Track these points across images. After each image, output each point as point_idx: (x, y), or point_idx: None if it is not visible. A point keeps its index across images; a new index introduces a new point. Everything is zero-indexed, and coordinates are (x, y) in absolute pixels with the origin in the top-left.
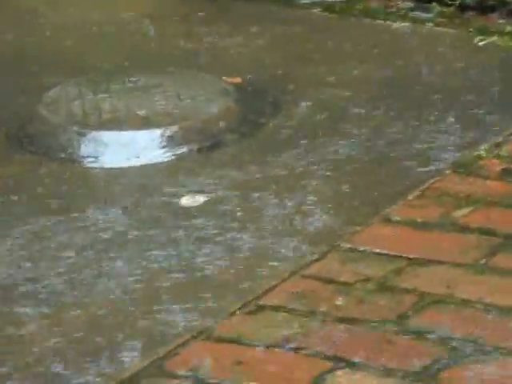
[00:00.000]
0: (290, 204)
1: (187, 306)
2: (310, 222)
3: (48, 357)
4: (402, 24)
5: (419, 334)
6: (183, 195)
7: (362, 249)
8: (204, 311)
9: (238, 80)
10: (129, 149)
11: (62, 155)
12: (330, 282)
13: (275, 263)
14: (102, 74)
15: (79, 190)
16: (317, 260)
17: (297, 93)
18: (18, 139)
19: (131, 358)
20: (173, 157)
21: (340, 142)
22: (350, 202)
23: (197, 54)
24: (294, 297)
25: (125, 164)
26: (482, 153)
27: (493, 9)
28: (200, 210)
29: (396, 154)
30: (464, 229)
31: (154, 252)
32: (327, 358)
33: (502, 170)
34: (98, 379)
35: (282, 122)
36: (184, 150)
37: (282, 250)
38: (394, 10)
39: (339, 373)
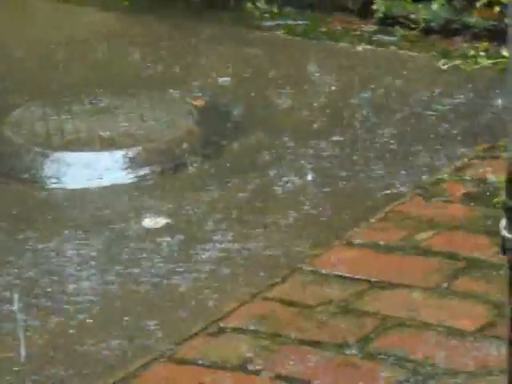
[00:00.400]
0: (252, 226)
1: (149, 326)
2: (272, 244)
3: None
4: (366, 47)
5: (381, 357)
6: (146, 217)
7: (324, 272)
8: (166, 332)
9: (201, 102)
10: (91, 170)
11: (25, 176)
12: (292, 304)
13: (237, 285)
14: (66, 95)
15: (41, 210)
16: (279, 283)
17: (259, 115)
18: None
19: (91, 379)
20: (135, 178)
21: (302, 164)
22: (312, 224)
23: (160, 76)
24: (255, 319)
25: (87, 185)
26: (445, 176)
27: (457, 32)
28: (162, 232)
29: (358, 177)
30: (426, 252)
31: (115, 272)
32: (289, 380)
33: (465, 193)
34: None
35: (245, 144)
36: (147, 171)
37: (244, 273)
38: (357, 33)
39: None
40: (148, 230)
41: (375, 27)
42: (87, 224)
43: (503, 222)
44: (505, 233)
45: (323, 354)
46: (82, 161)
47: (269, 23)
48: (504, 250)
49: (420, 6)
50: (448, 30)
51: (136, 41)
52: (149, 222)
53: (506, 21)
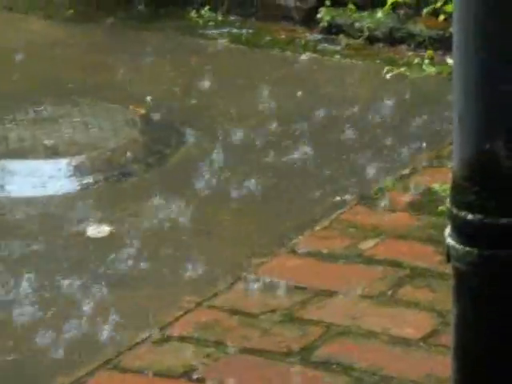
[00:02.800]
0: (196, 234)
1: (94, 334)
2: (216, 252)
3: None
4: (310, 56)
5: (325, 365)
6: (89, 225)
7: (267, 280)
8: (110, 340)
9: (143, 110)
10: (35, 178)
11: None
12: (236, 312)
13: (181, 294)
14: (9, 103)
15: None
16: (223, 291)
17: (203, 124)
18: None
19: None
20: (79, 187)
21: (246, 172)
22: (256, 232)
23: (104, 84)
24: (199, 327)
25: (31, 193)
26: (389, 185)
27: (401, 41)
28: (106, 240)
29: (303, 185)
30: (370, 261)
31: (59, 281)
32: None
33: (409, 202)
34: None
35: (187, 153)
36: (90, 179)
37: (189, 280)
38: (302, 41)
39: None
40: (92, 239)
41: (320, 36)
42: (31, 232)
43: (448, 230)
44: (449, 240)
45: (267, 362)
46: (25, 169)
47: (213, 31)
48: (448, 258)
49: (365, 14)
50: (393, 39)
51: (80, 49)
52: (92, 231)
53: (451, 29)
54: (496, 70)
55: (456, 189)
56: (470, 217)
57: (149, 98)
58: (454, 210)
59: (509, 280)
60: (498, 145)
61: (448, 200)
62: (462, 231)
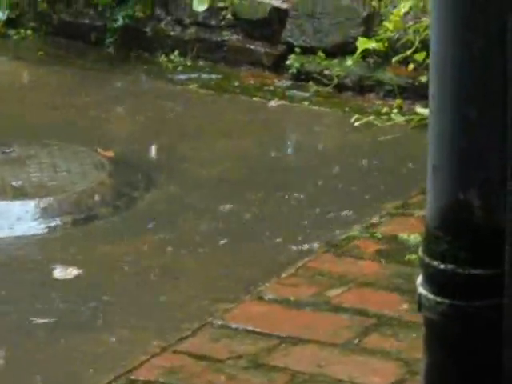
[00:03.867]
0: (162, 279)
1: (59, 378)
2: (182, 297)
3: None
4: (279, 102)
5: None
6: (56, 268)
7: (234, 326)
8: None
9: (111, 154)
10: (3, 219)
11: None
12: (202, 358)
13: (147, 338)
14: None
15: None
16: (189, 336)
17: (171, 168)
18: None
19: None
20: (47, 229)
21: (213, 218)
22: (223, 278)
23: (73, 126)
24: (165, 372)
25: None
26: (356, 233)
27: (370, 89)
28: (72, 283)
29: (269, 232)
30: (337, 308)
31: (25, 323)
32: None
33: (376, 250)
34: None
35: (155, 197)
36: (58, 222)
37: (154, 325)
38: (271, 88)
39: None
40: (59, 281)
41: (289, 82)
42: None
43: (419, 279)
44: (421, 290)
45: None
46: None
47: (182, 76)
48: (420, 307)
49: (334, 61)
50: (362, 87)
51: (49, 91)
52: (59, 273)
53: (429, 78)
54: (472, 119)
55: (429, 238)
56: (442, 266)
57: (117, 141)
58: (427, 259)
59: (480, 331)
60: (472, 195)
61: (420, 249)
62: (434, 281)
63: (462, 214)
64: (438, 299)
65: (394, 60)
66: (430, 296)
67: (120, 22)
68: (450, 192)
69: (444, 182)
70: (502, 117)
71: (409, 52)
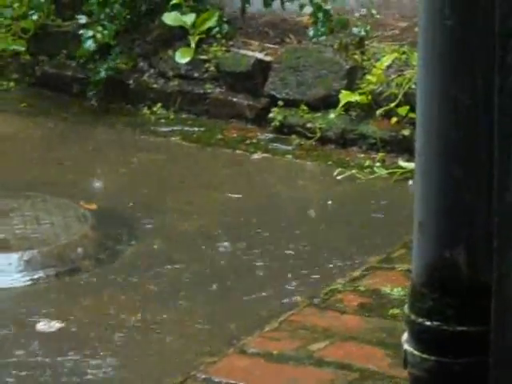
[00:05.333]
0: (145, 332)
1: None
2: (165, 350)
3: None
4: (262, 155)
5: None
6: (39, 321)
7: (216, 380)
8: None
9: (94, 206)
10: None
11: None
12: None
13: None
14: None
15: None
16: None
17: (153, 221)
18: None
19: None
20: (30, 281)
21: (195, 271)
22: (205, 332)
23: (56, 178)
24: None
25: None
26: (339, 287)
27: (353, 142)
28: (55, 336)
29: (252, 286)
30: (320, 362)
31: (6, 377)
32: None
33: (359, 304)
34: None
35: (138, 250)
36: (41, 274)
37: (137, 378)
38: (253, 141)
39: None
40: (41, 334)
41: (272, 135)
42: None
43: (405, 336)
44: (406, 346)
45: None
46: None
47: (165, 129)
48: (405, 364)
49: (317, 115)
50: (345, 140)
51: (31, 143)
52: (42, 326)
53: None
54: (458, 177)
55: (414, 295)
56: (428, 323)
57: (99, 193)
58: (412, 316)
59: None
60: (458, 252)
61: (406, 306)
62: (420, 338)
63: (448, 272)
64: (424, 356)
65: (377, 113)
66: (416, 353)
67: (102, 74)
68: (436, 249)
69: (430, 239)
70: (487, 176)
71: (392, 105)
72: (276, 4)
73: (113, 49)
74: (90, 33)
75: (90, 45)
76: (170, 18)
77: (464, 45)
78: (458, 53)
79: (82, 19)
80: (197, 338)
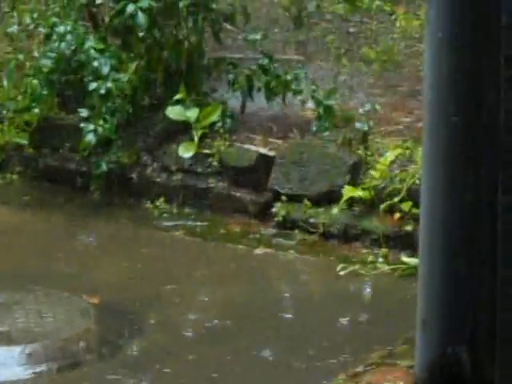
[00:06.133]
0: None
1: None
2: None
3: None
4: (264, 250)
5: None
6: None
7: None
8: None
9: (96, 300)
10: None
11: None
12: None
13: None
14: None
15: None
16: None
17: (156, 315)
18: None
19: None
20: (32, 374)
21: (199, 366)
22: None
23: (58, 271)
24: None
25: None
26: (341, 382)
27: (356, 238)
28: None
29: (255, 381)
30: None
31: None
32: None
33: None
34: None
35: (141, 344)
36: (44, 368)
37: None
38: (256, 235)
39: None
40: None
41: (274, 230)
42: None
43: None
44: None
45: None
46: None
47: (168, 223)
48: None
49: (320, 210)
50: (347, 235)
51: (35, 237)
52: None
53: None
54: (461, 274)
55: None
56: None
57: (101, 287)
58: None
59: None
60: (461, 349)
61: None
62: None
63: (451, 368)
64: None
65: (381, 208)
66: None
67: (103, 167)
68: (439, 346)
69: (433, 337)
70: (491, 273)
71: (396, 199)
72: (278, 99)
73: (114, 142)
74: (91, 126)
75: (91, 138)
76: (173, 113)
77: (468, 141)
78: (462, 149)
79: (84, 112)
80: None
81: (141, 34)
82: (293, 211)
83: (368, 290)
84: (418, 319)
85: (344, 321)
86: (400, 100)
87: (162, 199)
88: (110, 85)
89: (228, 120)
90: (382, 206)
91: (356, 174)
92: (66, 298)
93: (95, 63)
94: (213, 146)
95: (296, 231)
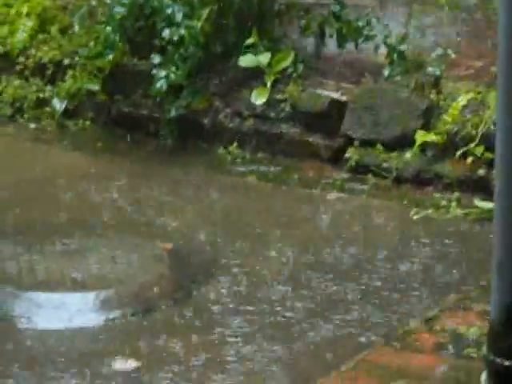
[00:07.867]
0: (216, 372)
1: None
2: None
3: None
4: (337, 195)
5: None
6: (116, 359)
7: None
8: None
9: (170, 246)
10: (62, 311)
11: None
12: None
13: None
14: (37, 234)
15: (9, 350)
16: None
17: (230, 260)
18: None
19: None
20: (106, 320)
21: (270, 312)
22: (282, 372)
23: (131, 218)
24: None
25: (58, 326)
26: (415, 327)
27: (429, 182)
28: (133, 374)
29: (328, 327)
30: None
31: None
32: None
33: (435, 344)
34: None
35: (214, 289)
36: (118, 314)
37: None
38: (329, 180)
39: None
40: (119, 372)
41: (347, 175)
42: (58, 366)
43: (484, 375)
44: None
45: None
46: (53, 302)
47: (241, 168)
48: None
49: (393, 155)
50: (420, 180)
51: (107, 182)
52: (119, 365)
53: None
54: None
55: (493, 335)
56: (507, 363)
57: (176, 233)
58: (491, 356)
59: None
60: None
61: (484, 346)
62: (500, 377)
63: None
64: None
65: (457, 154)
66: None
67: (173, 113)
68: None
69: (509, 279)
70: None
71: (472, 145)
72: (351, 44)
73: (186, 88)
74: (163, 73)
75: (162, 85)
76: (245, 61)
77: None
78: None
79: (156, 59)
80: (273, 378)
81: None
82: (365, 156)
83: (441, 233)
84: (494, 262)
85: (418, 265)
86: (472, 44)
87: (234, 145)
88: (182, 32)
89: (300, 65)
90: (458, 153)
91: (428, 118)
92: (140, 244)
93: (168, 10)
94: (285, 92)
95: (369, 176)
